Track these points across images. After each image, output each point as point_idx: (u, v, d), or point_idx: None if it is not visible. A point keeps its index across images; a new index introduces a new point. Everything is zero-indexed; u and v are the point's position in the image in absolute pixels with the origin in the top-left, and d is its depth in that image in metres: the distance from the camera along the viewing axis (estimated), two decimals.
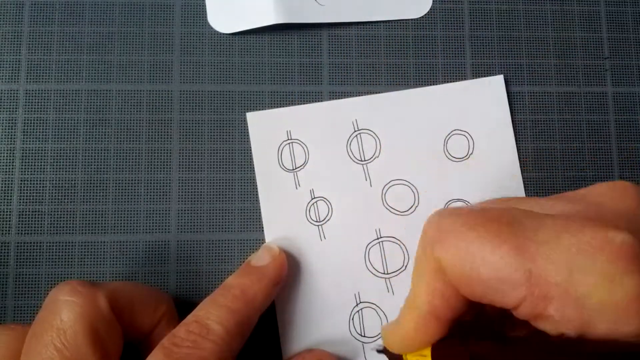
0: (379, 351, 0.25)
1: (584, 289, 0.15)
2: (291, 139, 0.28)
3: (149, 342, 0.24)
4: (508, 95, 0.30)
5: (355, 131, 0.29)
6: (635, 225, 0.16)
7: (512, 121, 0.30)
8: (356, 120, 0.29)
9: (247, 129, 0.29)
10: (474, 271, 0.17)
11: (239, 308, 0.23)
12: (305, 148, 0.28)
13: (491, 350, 0.18)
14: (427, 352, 0.20)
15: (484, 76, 0.30)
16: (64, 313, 0.21)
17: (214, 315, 0.22)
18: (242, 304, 0.23)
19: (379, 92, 0.29)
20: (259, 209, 0.28)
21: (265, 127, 0.29)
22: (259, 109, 0.29)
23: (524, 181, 0.29)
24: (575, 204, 0.18)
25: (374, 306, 0.27)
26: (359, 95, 0.29)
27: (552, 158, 0.30)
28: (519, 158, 0.29)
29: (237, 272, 0.25)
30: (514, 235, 0.16)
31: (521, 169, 0.29)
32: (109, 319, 0.21)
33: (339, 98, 0.29)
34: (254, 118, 0.29)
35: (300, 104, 0.29)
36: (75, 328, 0.20)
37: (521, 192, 0.29)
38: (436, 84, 0.30)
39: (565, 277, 0.15)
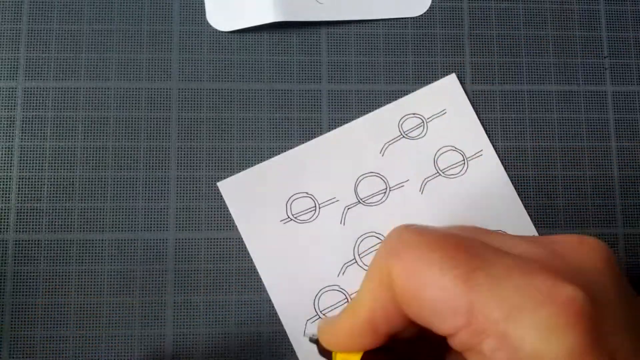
0: (311, 340, 0.25)
1: (521, 333, 0.15)
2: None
3: None
4: (507, 94, 0.30)
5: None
6: (593, 285, 0.16)
7: (512, 120, 0.30)
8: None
9: (246, 128, 0.29)
10: (419, 289, 0.16)
11: None
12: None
13: None
14: (357, 357, 0.20)
15: (484, 75, 0.30)
16: None
17: None
18: None
19: (378, 90, 0.29)
20: None
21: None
22: (258, 109, 0.29)
23: (523, 180, 0.29)
24: (539, 249, 0.17)
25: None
26: (358, 94, 0.29)
27: (551, 156, 0.30)
28: (518, 157, 0.29)
29: None
30: (467, 264, 0.16)
31: (521, 168, 0.29)
32: None
33: (338, 96, 0.29)
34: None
35: (300, 103, 0.29)
36: None
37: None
38: (435, 82, 0.30)
39: (505, 316, 0.15)
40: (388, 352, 0.20)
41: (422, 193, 0.28)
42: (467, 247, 0.17)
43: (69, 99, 0.29)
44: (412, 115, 0.29)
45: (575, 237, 0.18)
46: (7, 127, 0.28)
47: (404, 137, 0.29)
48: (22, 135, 0.28)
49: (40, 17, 0.29)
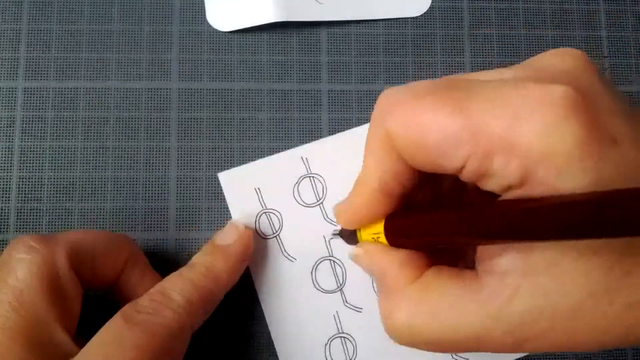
0: (334, 234, 0.26)
1: (526, 139, 0.15)
2: (266, 209, 0.28)
3: (117, 289, 0.24)
4: None
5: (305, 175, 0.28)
6: (580, 82, 0.17)
7: None
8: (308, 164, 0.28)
9: (246, 128, 0.29)
10: (420, 137, 0.17)
11: (204, 284, 0.23)
12: (279, 216, 0.28)
13: (448, 215, 0.18)
14: (380, 229, 0.20)
15: None
16: (20, 271, 0.20)
17: (178, 287, 0.22)
18: (207, 281, 0.23)
19: (378, 90, 0.29)
20: None
21: (238, 188, 0.28)
22: (258, 109, 0.29)
23: None
24: (522, 70, 0.18)
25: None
26: (358, 94, 0.29)
27: None
28: None
29: (203, 251, 0.25)
30: (458, 98, 0.17)
31: None
32: (67, 275, 0.21)
33: (338, 96, 0.29)
34: (226, 177, 0.28)
35: (300, 103, 0.29)
36: (32, 286, 0.20)
37: None
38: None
39: (507, 128, 0.16)
40: (407, 212, 0.20)
41: None
42: (454, 85, 0.17)
43: (69, 99, 0.29)
44: None
45: (549, 52, 0.19)
46: (7, 127, 0.28)
47: None
48: (22, 135, 0.28)
49: (40, 17, 0.29)
